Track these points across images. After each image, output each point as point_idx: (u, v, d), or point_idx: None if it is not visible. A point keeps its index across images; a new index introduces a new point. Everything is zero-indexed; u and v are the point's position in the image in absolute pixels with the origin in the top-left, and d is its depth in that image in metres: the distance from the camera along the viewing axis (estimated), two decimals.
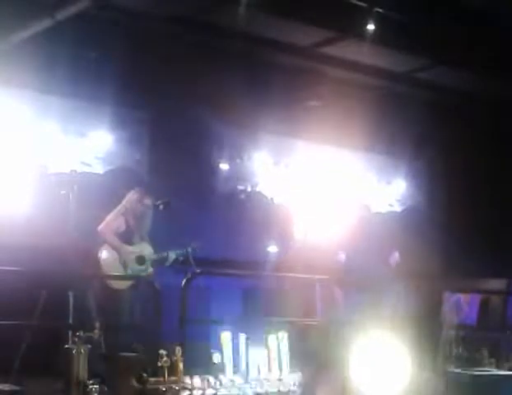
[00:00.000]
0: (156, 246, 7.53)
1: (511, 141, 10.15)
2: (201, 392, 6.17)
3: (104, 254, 7.21)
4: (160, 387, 5.71)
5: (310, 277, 7.83)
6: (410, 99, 10.09)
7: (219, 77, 8.50)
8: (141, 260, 7.34)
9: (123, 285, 7.13)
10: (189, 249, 7.46)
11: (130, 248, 7.31)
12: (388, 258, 8.05)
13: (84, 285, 6.95)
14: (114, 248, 7.23)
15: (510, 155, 10.25)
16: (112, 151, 8.51)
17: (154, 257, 7.42)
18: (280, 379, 6.70)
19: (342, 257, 7.93)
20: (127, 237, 7.33)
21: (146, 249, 7.41)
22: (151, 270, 7.39)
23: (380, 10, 7.94)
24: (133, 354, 6.24)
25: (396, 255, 8.03)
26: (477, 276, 9.17)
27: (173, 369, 5.81)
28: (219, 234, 8.79)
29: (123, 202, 7.40)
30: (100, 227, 7.24)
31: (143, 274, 7.33)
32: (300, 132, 9.54)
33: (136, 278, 7.24)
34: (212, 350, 6.43)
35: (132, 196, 7.39)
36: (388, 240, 8.75)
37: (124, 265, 7.27)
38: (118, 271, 7.25)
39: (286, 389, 6.62)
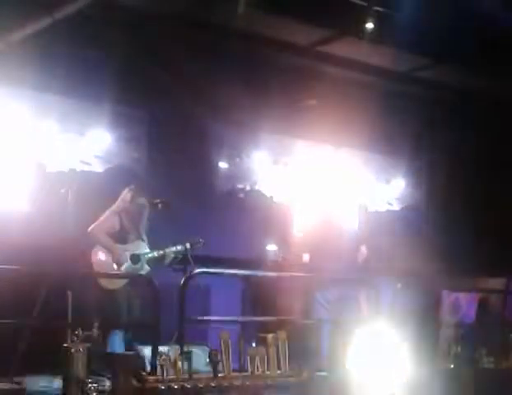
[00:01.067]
0: (155, 245, 7.52)
1: (511, 141, 10.16)
2: (199, 390, 6.18)
3: (96, 254, 7.20)
4: (159, 385, 5.72)
5: (310, 276, 7.84)
6: (409, 98, 10.10)
7: (218, 76, 8.51)
8: (135, 259, 7.33)
9: (115, 285, 7.11)
10: (187, 245, 7.44)
11: (124, 248, 7.29)
12: (387, 256, 8.07)
13: (81, 284, 6.95)
14: (106, 248, 7.21)
15: (510, 154, 10.25)
16: (111, 150, 8.51)
17: (150, 255, 7.40)
18: (279, 377, 6.70)
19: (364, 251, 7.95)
20: (121, 236, 7.32)
21: (141, 248, 7.40)
22: (146, 268, 7.38)
23: (379, 9, 7.95)
24: (132, 352, 6.25)
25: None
26: (476, 275, 9.17)
27: (172, 368, 5.81)
28: (218, 232, 8.79)
29: (118, 201, 7.40)
30: (91, 228, 7.22)
31: (141, 272, 7.33)
32: (299, 131, 9.55)
33: (134, 277, 7.24)
34: (211, 349, 6.41)
35: (125, 195, 7.38)
36: (391, 238, 8.79)
37: (118, 264, 7.27)
38: (111, 271, 7.24)
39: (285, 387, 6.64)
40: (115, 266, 7.24)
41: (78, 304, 6.74)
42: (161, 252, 7.43)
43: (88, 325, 5.86)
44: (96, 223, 7.26)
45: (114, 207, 7.37)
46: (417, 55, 9.12)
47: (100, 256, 7.21)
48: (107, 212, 7.35)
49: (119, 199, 7.38)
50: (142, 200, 7.37)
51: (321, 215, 8.45)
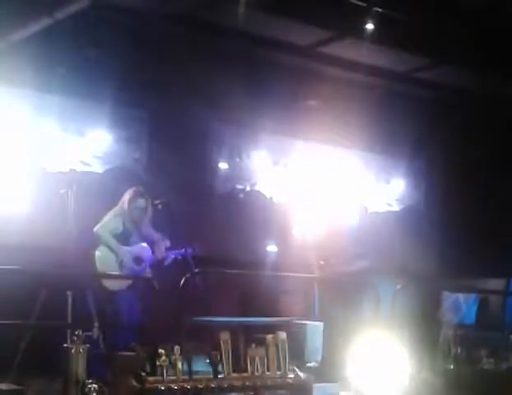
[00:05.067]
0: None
1: (510, 141, 10.16)
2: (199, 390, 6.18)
3: (100, 255, 7.21)
4: (159, 386, 5.72)
5: (309, 277, 7.85)
6: (409, 98, 10.10)
7: (218, 76, 8.50)
8: (138, 261, 7.34)
9: (118, 286, 7.13)
10: (188, 250, 7.47)
11: (127, 249, 7.31)
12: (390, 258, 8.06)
13: (82, 284, 6.95)
14: (110, 249, 7.23)
15: (509, 154, 10.26)
16: (111, 151, 8.51)
17: (152, 257, 7.41)
18: (279, 378, 6.70)
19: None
20: (124, 238, 7.33)
21: (145, 250, 7.41)
22: (148, 270, 7.39)
23: (379, 9, 7.94)
24: (132, 353, 6.24)
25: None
26: (476, 276, 9.18)
27: (171, 369, 5.81)
28: (218, 233, 8.79)
29: (120, 202, 7.41)
30: (96, 228, 7.25)
31: (144, 274, 7.34)
32: (299, 131, 9.55)
33: (135, 277, 7.25)
34: (211, 350, 6.42)
35: (125, 197, 7.41)
36: (391, 239, 8.77)
37: (121, 266, 7.27)
38: (115, 272, 7.25)
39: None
40: (119, 267, 7.26)
41: (81, 303, 6.74)
42: (163, 254, 7.44)
43: (89, 325, 5.87)
44: (101, 224, 7.28)
45: (116, 209, 7.38)
46: (417, 56, 9.12)
47: (104, 256, 7.23)
48: (110, 213, 7.36)
49: (121, 201, 7.41)
50: (141, 202, 7.37)
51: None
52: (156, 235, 7.50)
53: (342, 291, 7.65)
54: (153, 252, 7.44)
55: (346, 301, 7.56)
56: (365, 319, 7.41)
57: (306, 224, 9.16)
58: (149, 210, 7.40)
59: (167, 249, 7.50)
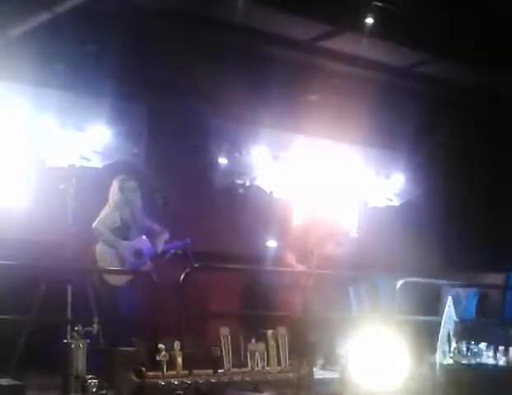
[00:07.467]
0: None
1: (511, 137, 10.16)
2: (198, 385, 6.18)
3: (100, 250, 7.22)
4: (159, 381, 5.72)
5: (309, 271, 7.83)
6: (409, 93, 10.10)
7: (218, 71, 8.49)
8: (138, 254, 7.34)
9: (120, 280, 7.14)
10: (188, 242, 7.47)
11: (127, 243, 7.31)
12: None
13: (82, 279, 6.95)
14: (109, 244, 7.23)
15: (509, 149, 10.26)
16: (110, 145, 8.50)
17: (151, 251, 7.42)
18: (279, 373, 6.71)
19: None
20: (123, 232, 7.33)
21: (144, 243, 7.41)
22: (149, 264, 7.40)
23: (379, 3, 7.94)
24: (132, 348, 6.25)
25: None
26: (476, 270, 9.19)
27: (171, 364, 5.82)
28: (217, 228, 8.79)
29: (109, 197, 7.42)
30: (95, 224, 7.25)
31: (142, 268, 7.34)
32: (298, 126, 9.53)
33: (135, 272, 7.25)
34: (211, 345, 6.42)
35: (113, 186, 7.41)
36: (390, 234, 8.78)
37: (121, 260, 7.28)
38: (115, 267, 7.26)
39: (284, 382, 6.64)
40: (119, 262, 7.26)
41: (80, 298, 6.74)
42: (163, 248, 7.45)
43: (88, 320, 5.87)
44: (98, 219, 7.28)
45: (109, 203, 7.39)
46: (417, 50, 9.11)
47: (104, 251, 7.23)
48: (105, 209, 7.36)
49: (110, 195, 7.42)
50: (131, 184, 7.39)
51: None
52: (155, 227, 7.50)
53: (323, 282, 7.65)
54: (153, 244, 7.44)
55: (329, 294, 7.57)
56: (363, 314, 7.42)
57: (305, 219, 9.13)
58: (139, 191, 7.41)
59: (166, 242, 7.51)
